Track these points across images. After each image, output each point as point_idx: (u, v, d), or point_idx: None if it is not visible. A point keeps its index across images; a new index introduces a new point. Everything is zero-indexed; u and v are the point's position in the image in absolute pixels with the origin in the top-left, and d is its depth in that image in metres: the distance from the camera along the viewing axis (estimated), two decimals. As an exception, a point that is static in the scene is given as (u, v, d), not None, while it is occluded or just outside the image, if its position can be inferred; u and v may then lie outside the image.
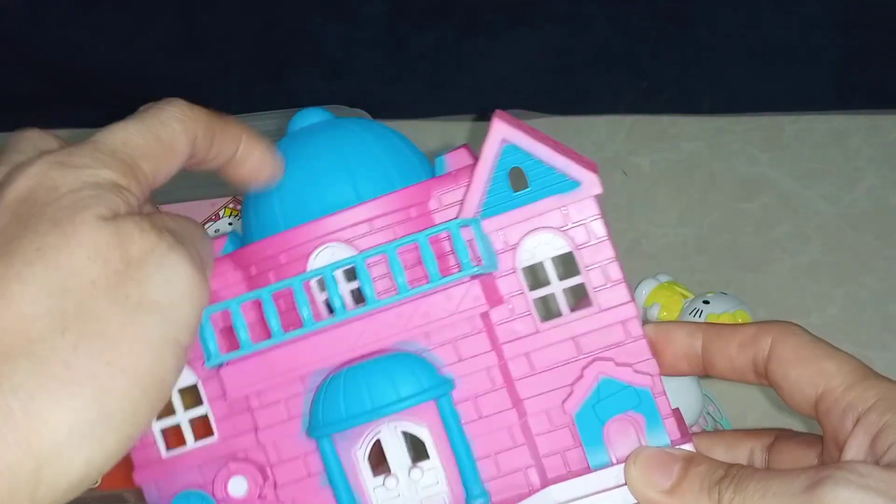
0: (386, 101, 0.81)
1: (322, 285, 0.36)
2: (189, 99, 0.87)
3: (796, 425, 0.62)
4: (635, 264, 0.71)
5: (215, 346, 0.35)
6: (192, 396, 0.37)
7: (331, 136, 0.38)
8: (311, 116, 0.39)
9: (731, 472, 0.32)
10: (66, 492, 0.27)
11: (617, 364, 0.34)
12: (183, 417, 0.37)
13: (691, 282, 0.68)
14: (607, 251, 0.35)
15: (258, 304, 0.35)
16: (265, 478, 0.36)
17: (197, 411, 0.37)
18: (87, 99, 0.83)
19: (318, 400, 0.35)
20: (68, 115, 0.84)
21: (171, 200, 0.69)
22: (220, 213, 0.68)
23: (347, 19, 0.78)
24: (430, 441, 0.35)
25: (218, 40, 0.80)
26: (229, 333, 0.36)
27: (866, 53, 0.77)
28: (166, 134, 0.32)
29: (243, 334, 0.35)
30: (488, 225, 0.35)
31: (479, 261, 0.35)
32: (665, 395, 0.34)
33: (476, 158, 0.36)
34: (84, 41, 0.80)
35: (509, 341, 0.35)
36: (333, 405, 0.34)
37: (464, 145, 0.38)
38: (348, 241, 0.35)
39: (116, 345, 0.28)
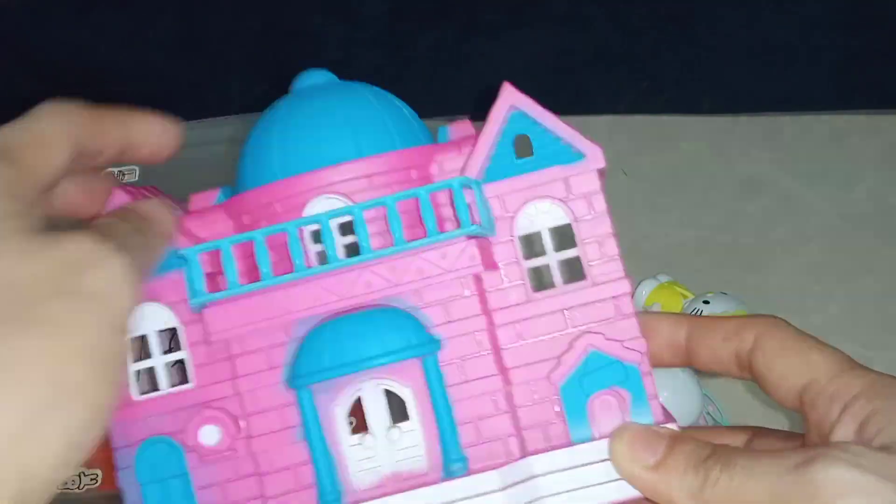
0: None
1: (316, 237, 0.35)
2: (189, 99, 0.88)
3: (796, 427, 0.61)
4: (635, 264, 0.71)
5: (202, 283, 0.34)
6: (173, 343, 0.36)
7: (335, 93, 0.38)
8: (315, 77, 0.39)
9: (718, 451, 0.32)
10: (46, 480, 0.27)
11: (607, 338, 0.34)
12: (159, 361, 0.35)
13: (691, 282, 0.68)
14: (605, 226, 0.35)
15: (248, 252, 0.34)
16: (238, 429, 0.35)
17: (174, 356, 0.35)
18: (87, 99, 0.83)
19: (302, 349, 0.34)
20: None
21: (172, 200, 0.69)
22: (220, 214, 0.68)
23: (347, 19, 0.78)
24: (413, 402, 0.34)
25: (218, 40, 0.80)
26: (216, 279, 0.35)
27: (866, 53, 0.77)
28: (38, 127, 0.33)
29: (231, 274, 0.34)
30: (489, 190, 0.35)
31: (478, 222, 0.34)
32: (652, 375, 0.34)
33: (478, 132, 0.36)
34: (84, 41, 0.80)
35: (500, 308, 0.35)
36: (317, 354, 0.34)
37: (467, 117, 0.38)
38: (346, 195, 0.35)
39: (57, 328, 0.28)
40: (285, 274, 0.34)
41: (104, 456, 0.59)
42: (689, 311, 0.64)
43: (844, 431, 0.33)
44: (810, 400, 0.34)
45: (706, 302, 0.64)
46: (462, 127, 0.38)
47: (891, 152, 0.77)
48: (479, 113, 0.89)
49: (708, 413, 0.61)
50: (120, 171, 0.72)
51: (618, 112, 0.79)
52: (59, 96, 0.92)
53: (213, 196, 0.38)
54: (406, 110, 0.39)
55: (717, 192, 0.75)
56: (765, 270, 0.70)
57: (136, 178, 0.72)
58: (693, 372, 0.60)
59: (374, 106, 0.37)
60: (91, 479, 0.55)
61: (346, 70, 0.84)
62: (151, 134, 0.36)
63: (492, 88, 0.70)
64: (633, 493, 0.33)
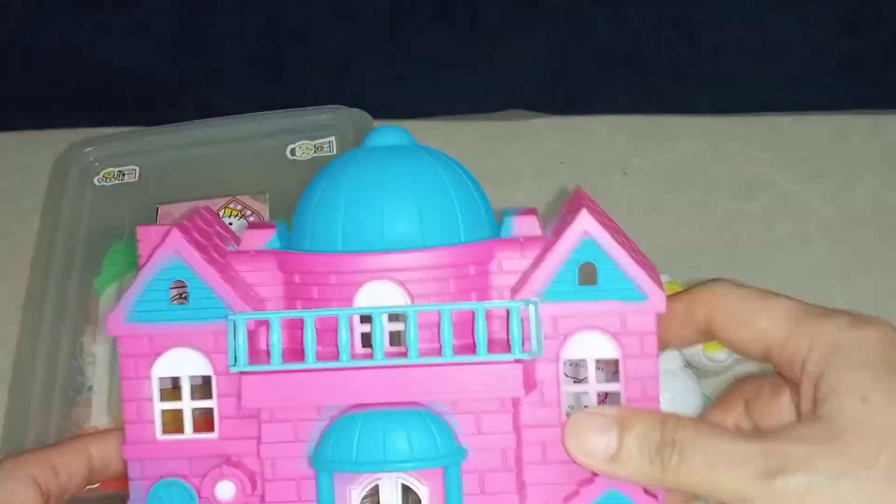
0: (386, 101, 0.81)
1: (363, 319, 0.35)
2: (189, 99, 0.87)
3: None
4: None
5: (244, 354, 0.35)
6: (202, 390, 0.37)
7: (407, 164, 0.37)
8: (390, 136, 0.38)
9: (668, 435, 0.33)
10: None
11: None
12: (187, 405, 0.36)
13: (692, 282, 0.68)
14: (652, 369, 0.35)
15: (295, 323, 0.35)
16: (254, 488, 0.36)
17: (203, 403, 0.36)
18: (87, 99, 0.83)
19: (331, 434, 0.35)
20: (69, 115, 0.84)
21: (172, 200, 0.69)
22: (221, 213, 0.68)
23: (347, 19, 0.78)
24: (427, 501, 0.35)
25: (218, 40, 0.80)
26: (253, 337, 0.35)
27: (867, 53, 0.77)
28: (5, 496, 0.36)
29: (276, 352, 0.34)
30: (545, 308, 0.35)
31: (528, 345, 0.35)
32: None
33: (542, 228, 0.37)
34: (84, 41, 0.80)
35: (530, 426, 0.35)
36: (346, 445, 0.34)
37: (532, 210, 0.38)
38: (401, 283, 0.35)
39: None
40: (329, 360, 0.34)
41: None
42: (689, 311, 0.64)
43: (807, 399, 0.33)
44: (776, 364, 0.35)
45: (706, 302, 0.64)
46: (527, 222, 0.38)
47: (891, 152, 0.77)
48: (478, 114, 0.89)
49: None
50: (120, 172, 0.72)
51: (618, 112, 0.79)
52: (58, 96, 0.92)
53: (270, 234, 0.38)
54: (475, 189, 0.38)
55: (716, 191, 0.75)
56: (765, 270, 0.70)
57: (136, 178, 0.72)
58: (693, 372, 0.60)
59: (445, 188, 0.37)
60: (91, 480, 0.55)
61: (347, 70, 0.85)
62: (113, 452, 0.39)
63: (492, 88, 0.70)
64: None
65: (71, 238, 0.67)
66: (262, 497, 0.36)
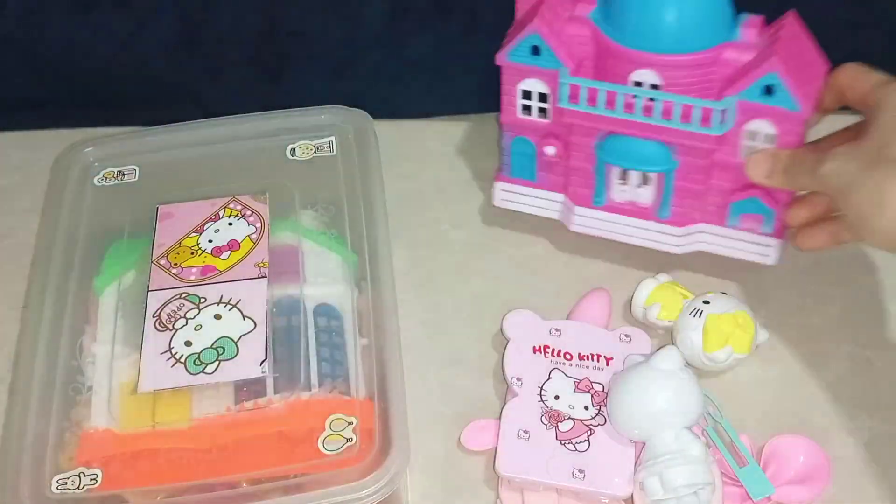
0: (386, 101, 0.81)
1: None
2: (189, 99, 0.87)
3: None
4: (635, 264, 0.71)
5: (566, 96, 0.63)
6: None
7: None
8: None
9: (800, 156, 0.60)
10: None
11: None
12: (535, 105, 0.66)
13: (691, 282, 0.68)
14: (797, 142, 0.62)
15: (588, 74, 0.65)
16: (567, 150, 0.67)
17: (544, 104, 0.66)
18: (87, 99, 0.83)
19: (609, 142, 0.65)
20: (67, 115, 0.84)
21: (172, 200, 0.69)
22: (221, 213, 0.68)
23: (347, 19, 0.78)
24: (654, 179, 0.66)
25: (217, 40, 0.80)
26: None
27: (864, 53, 0.77)
28: None
29: (584, 96, 0.63)
30: (741, 104, 0.61)
31: (725, 119, 0.61)
32: None
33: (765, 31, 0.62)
34: (83, 41, 0.80)
35: (720, 159, 0.64)
36: (619, 150, 0.64)
37: (757, 19, 0.62)
38: (660, 72, 0.61)
39: None
40: (611, 108, 0.62)
41: (104, 456, 0.59)
42: (689, 311, 0.64)
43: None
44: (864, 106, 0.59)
45: (706, 302, 0.64)
46: (751, 28, 0.62)
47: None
48: (479, 113, 0.89)
49: (708, 413, 0.61)
50: (119, 172, 0.72)
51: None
52: (58, 97, 0.92)
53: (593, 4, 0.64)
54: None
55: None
56: (763, 270, 0.70)
57: (136, 178, 0.72)
58: (693, 373, 0.60)
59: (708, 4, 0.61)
60: (91, 480, 0.55)
61: (347, 70, 0.85)
62: None
63: (492, 88, 0.70)
64: None
65: (70, 238, 0.67)
66: (568, 156, 0.67)
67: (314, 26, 0.79)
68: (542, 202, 0.71)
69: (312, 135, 0.72)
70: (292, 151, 0.72)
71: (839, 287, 0.70)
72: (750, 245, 0.67)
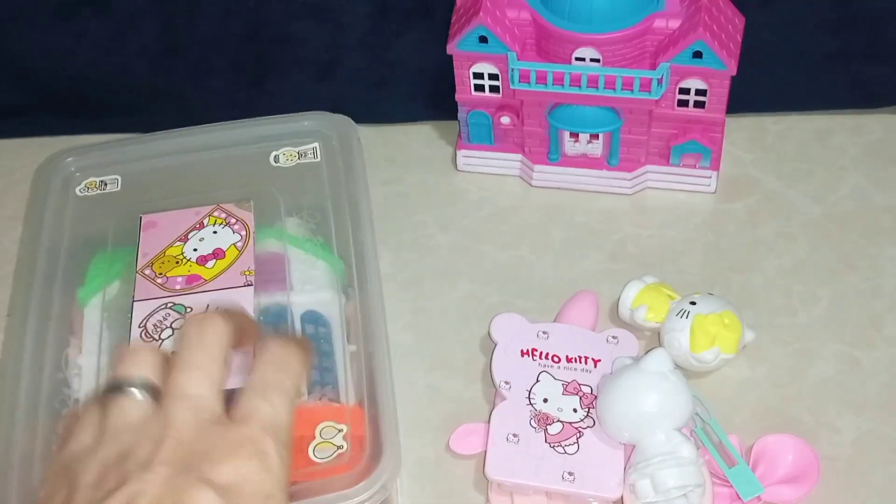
0: (370, 106, 0.81)
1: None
2: (172, 105, 0.86)
3: (780, 423, 0.62)
4: (621, 266, 0.71)
5: (517, 77, 0.70)
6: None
7: None
8: None
9: None
10: None
11: None
12: (487, 83, 0.72)
13: (677, 283, 0.68)
14: (723, 101, 0.70)
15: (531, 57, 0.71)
16: (520, 119, 0.74)
17: (495, 82, 0.72)
18: (70, 106, 0.83)
19: (559, 109, 0.72)
20: (51, 122, 0.83)
21: (156, 209, 0.69)
22: (205, 222, 0.68)
23: (330, 24, 0.78)
24: (602, 137, 0.73)
25: (201, 45, 0.79)
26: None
27: (849, 52, 0.77)
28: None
29: (533, 76, 0.69)
30: (674, 68, 0.68)
31: (662, 81, 0.68)
32: None
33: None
34: (66, 48, 0.79)
35: (657, 112, 0.73)
36: (568, 117, 0.72)
37: None
38: (599, 48, 0.68)
39: None
40: (558, 84, 0.69)
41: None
42: (675, 312, 0.64)
43: None
44: None
45: (693, 303, 0.64)
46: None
47: (875, 151, 0.77)
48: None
49: (697, 414, 0.61)
50: (102, 181, 0.71)
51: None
52: (41, 104, 0.91)
53: None
54: None
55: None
56: (749, 270, 0.71)
57: (119, 188, 0.71)
58: (682, 374, 0.60)
59: None
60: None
61: (331, 74, 0.84)
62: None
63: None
64: None
65: (53, 249, 0.67)
66: (523, 122, 0.74)
67: (297, 31, 0.79)
68: (502, 163, 0.77)
69: (296, 141, 0.72)
70: (276, 158, 0.72)
71: (825, 287, 0.70)
72: (693, 178, 0.74)
